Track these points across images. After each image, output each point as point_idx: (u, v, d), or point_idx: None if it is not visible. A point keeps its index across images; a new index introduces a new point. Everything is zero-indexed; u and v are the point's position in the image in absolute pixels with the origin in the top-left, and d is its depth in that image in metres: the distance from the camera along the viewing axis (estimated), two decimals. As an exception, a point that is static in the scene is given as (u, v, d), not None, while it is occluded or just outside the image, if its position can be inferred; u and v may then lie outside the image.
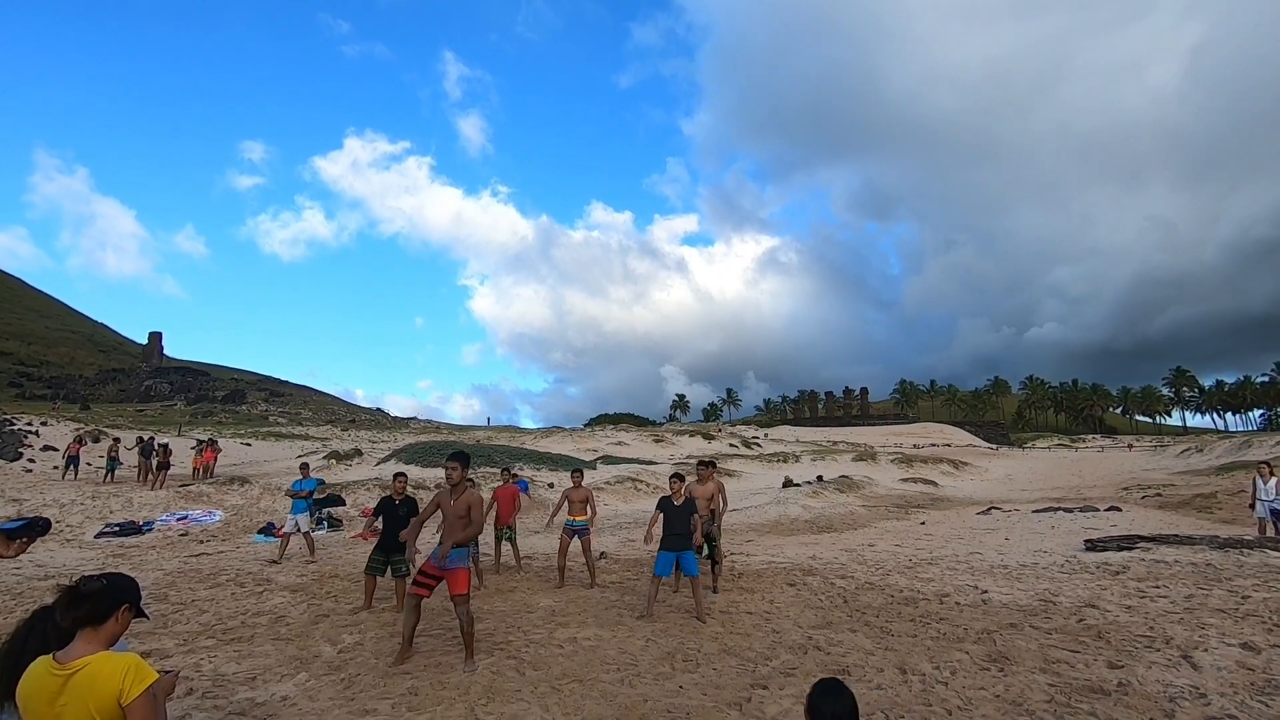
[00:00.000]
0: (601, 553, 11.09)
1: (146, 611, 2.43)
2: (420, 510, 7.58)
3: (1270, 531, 10.94)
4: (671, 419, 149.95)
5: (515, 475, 17.46)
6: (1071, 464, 44.93)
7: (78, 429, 31.82)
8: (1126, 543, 9.84)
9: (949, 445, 73.97)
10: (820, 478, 27.93)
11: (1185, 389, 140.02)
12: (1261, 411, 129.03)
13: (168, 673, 2.36)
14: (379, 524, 8.26)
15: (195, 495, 17.65)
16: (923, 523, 16.12)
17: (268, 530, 13.74)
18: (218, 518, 15.54)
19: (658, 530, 7.29)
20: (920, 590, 7.77)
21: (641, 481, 24.82)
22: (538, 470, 26.50)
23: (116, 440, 26.16)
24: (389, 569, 7.74)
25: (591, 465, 30.81)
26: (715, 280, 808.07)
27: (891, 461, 40.74)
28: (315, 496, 17.60)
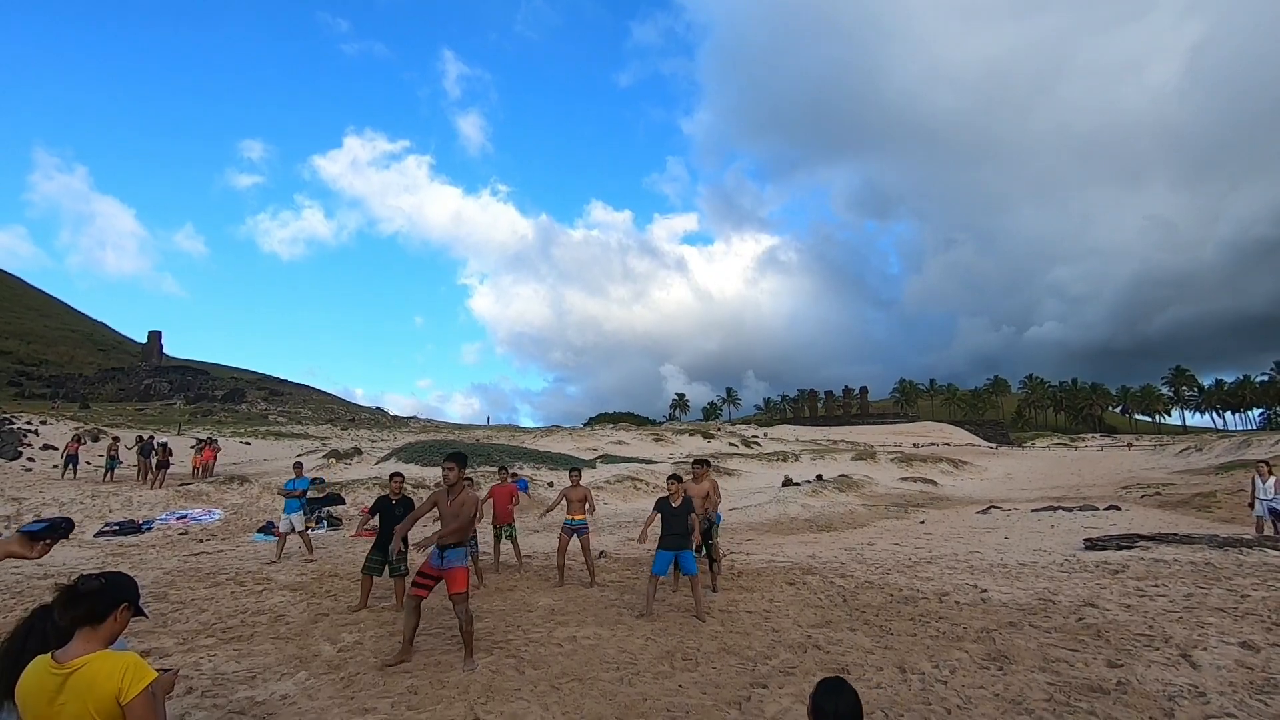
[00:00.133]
0: (601, 551, 11.10)
1: (145, 610, 2.43)
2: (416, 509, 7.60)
3: (1269, 530, 10.95)
4: (671, 418, 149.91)
5: (515, 474, 17.52)
6: (1071, 463, 44.95)
7: (77, 428, 31.80)
8: (1126, 542, 9.85)
9: (948, 444, 74.00)
10: (820, 477, 27.94)
11: (1185, 388, 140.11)
12: (1261, 411, 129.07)
13: (167, 671, 2.36)
14: (375, 522, 8.24)
15: (195, 494, 17.65)
16: (922, 522, 16.13)
17: (267, 529, 13.74)
18: (217, 517, 15.54)
19: (654, 531, 7.29)
20: (920, 589, 7.77)
21: (641, 480, 24.82)
22: (537, 469, 26.50)
23: (116, 439, 26.17)
24: (386, 569, 7.73)
25: (591, 464, 30.81)
26: (715, 279, 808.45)
27: (891, 460, 40.75)
28: (314, 496, 17.70)
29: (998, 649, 5.45)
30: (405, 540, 7.45)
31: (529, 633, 6.42)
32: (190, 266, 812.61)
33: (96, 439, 29.58)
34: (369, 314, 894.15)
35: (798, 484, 25.51)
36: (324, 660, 5.69)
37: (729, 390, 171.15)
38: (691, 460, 11.67)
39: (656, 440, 55.33)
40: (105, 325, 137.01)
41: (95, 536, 13.20)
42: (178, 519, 14.95)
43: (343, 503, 17.45)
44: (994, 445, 78.56)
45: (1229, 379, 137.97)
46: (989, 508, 18.23)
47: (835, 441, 69.98)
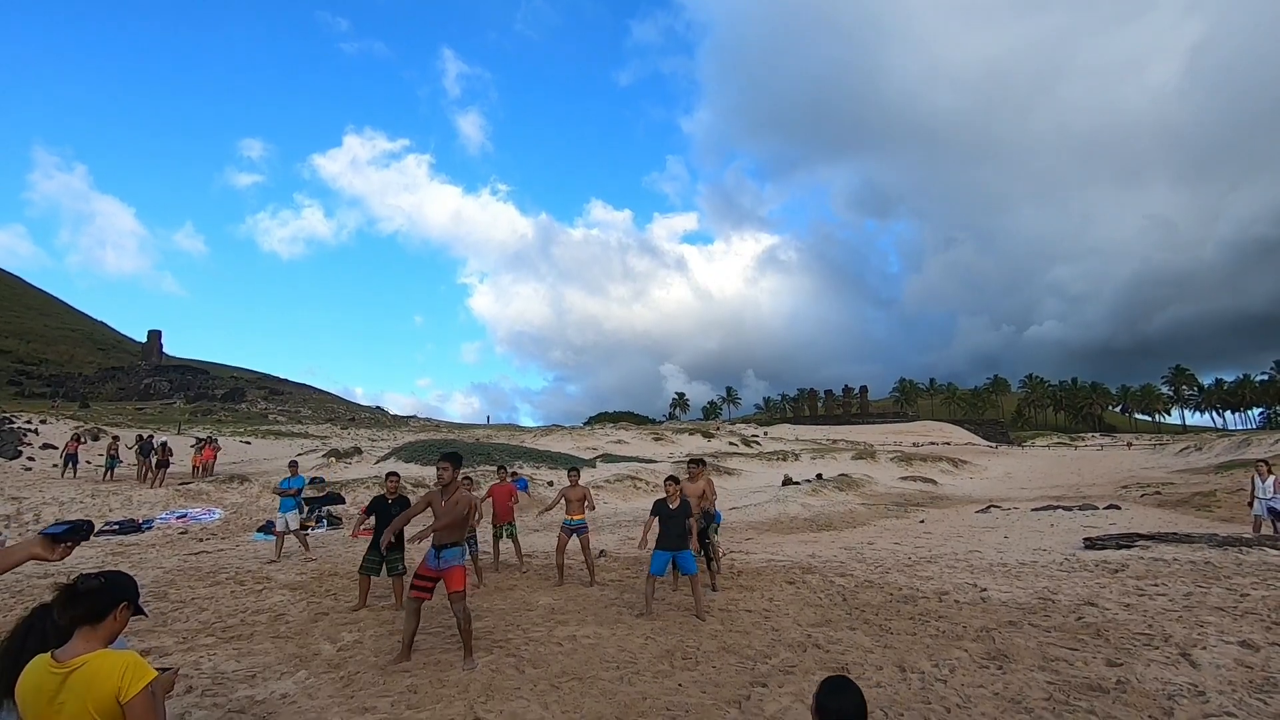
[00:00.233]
0: (601, 551, 11.10)
1: (145, 609, 2.43)
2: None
3: (1267, 530, 10.95)
4: (671, 417, 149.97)
5: (515, 473, 17.54)
6: (1071, 462, 44.98)
7: (77, 427, 31.81)
8: (1125, 541, 9.85)
9: (948, 443, 74.01)
10: (820, 476, 27.94)
11: (1184, 387, 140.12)
12: (1261, 410, 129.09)
13: (166, 670, 2.36)
14: (371, 522, 8.21)
15: (195, 493, 17.66)
16: (922, 521, 16.13)
17: (267, 528, 13.73)
18: (217, 516, 15.55)
19: (653, 535, 7.29)
20: (919, 588, 7.78)
21: (641, 480, 24.82)
22: (537, 468, 26.51)
23: (116, 438, 26.17)
24: (384, 568, 7.72)
25: (591, 463, 30.81)
26: (715, 278, 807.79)
27: (891, 460, 40.76)
28: (316, 495, 17.70)
29: (997, 648, 5.45)
30: (401, 537, 7.45)
31: (529, 632, 6.42)
32: (190, 266, 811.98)
33: (96, 438, 29.59)
34: (369, 313, 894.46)
35: (797, 483, 25.52)
36: (324, 659, 5.70)
37: (729, 389, 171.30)
38: (689, 460, 11.69)
39: (656, 439, 55.35)
40: (105, 324, 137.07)
41: (95, 535, 13.20)
42: (178, 518, 14.96)
43: (342, 502, 17.46)
44: (994, 444, 78.59)
45: (1229, 378, 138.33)
46: (989, 507, 18.23)
47: (835, 441, 70.01)
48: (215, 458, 25.39)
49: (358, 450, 31.33)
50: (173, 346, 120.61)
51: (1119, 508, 17.26)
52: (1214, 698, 4.26)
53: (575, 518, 8.96)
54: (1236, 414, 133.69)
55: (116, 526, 13.70)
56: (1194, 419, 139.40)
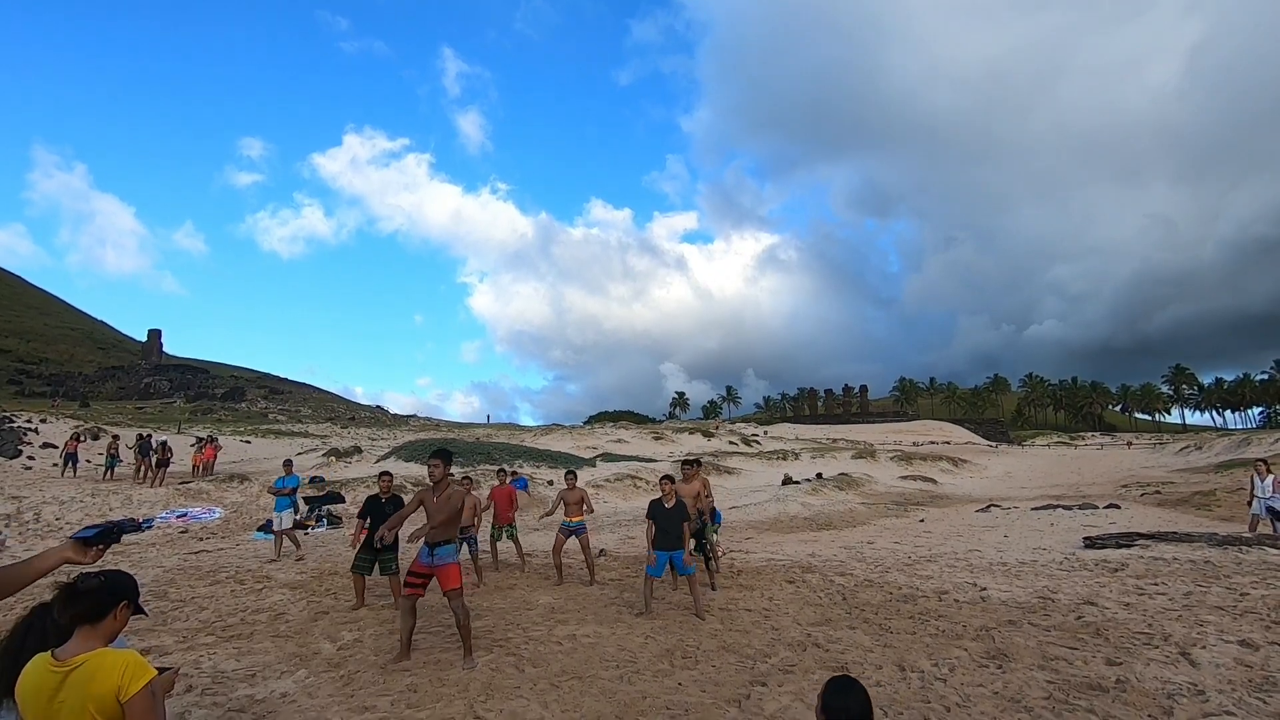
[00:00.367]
0: (601, 550, 11.10)
1: (145, 608, 2.43)
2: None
3: (1265, 529, 10.95)
4: (671, 416, 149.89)
5: (514, 474, 17.54)
6: (1071, 462, 44.98)
7: (77, 426, 31.80)
8: (1125, 540, 9.86)
9: (948, 443, 73.98)
10: (820, 475, 27.95)
11: (1184, 387, 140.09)
12: (1261, 409, 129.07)
13: (166, 670, 2.36)
14: (367, 523, 8.18)
15: (195, 492, 17.67)
16: (922, 520, 16.14)
17: (267, 527, 13.74)
18: (217, 515, 15.55)
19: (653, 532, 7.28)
20: (919, 587, 7.78)
21: (641, 479, 24.82)
22: (537, 468, 26.51)
23: (116, 438, 26.17)
24: (377, 567, 7.69)
25: (591, 463, 30.81)
26: (715, 278, 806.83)
27: (891, 459, 40.75)
28: (316, 494, 17.71)
29: (997, 647, 5.46)
30: (395, 536, 7.47)
31: (529, 631, 6.42)
32: (190, 265, 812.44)
33: (96, 437, 29.58)
34: (369, 312, 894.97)
35: (797, 482, 25.52)
36: (324, 658, 5.70)
37: (729, 389, 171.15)
38: (683, 461, 11.66)
39: (656, 439, 55.31)
40: (105, 323, 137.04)
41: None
42: (178, 517, 14.97)
43: (343, 501, 17.46)
44: (994, 444, 78.58)
45: (1229, 377, 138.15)
46: (988, 506, 18.24)
47: (835, 440, 70.00)
48: (216, 457, 25.42)
49: (358, 449, 31.33)
50: (173, 346, 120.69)
51: (1119, 507, 17.28)
52: (1213, 697, 4.27)
53: (574, 520, 8.97)
54: (1236, 413, 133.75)
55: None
56: (1194, 418, 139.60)
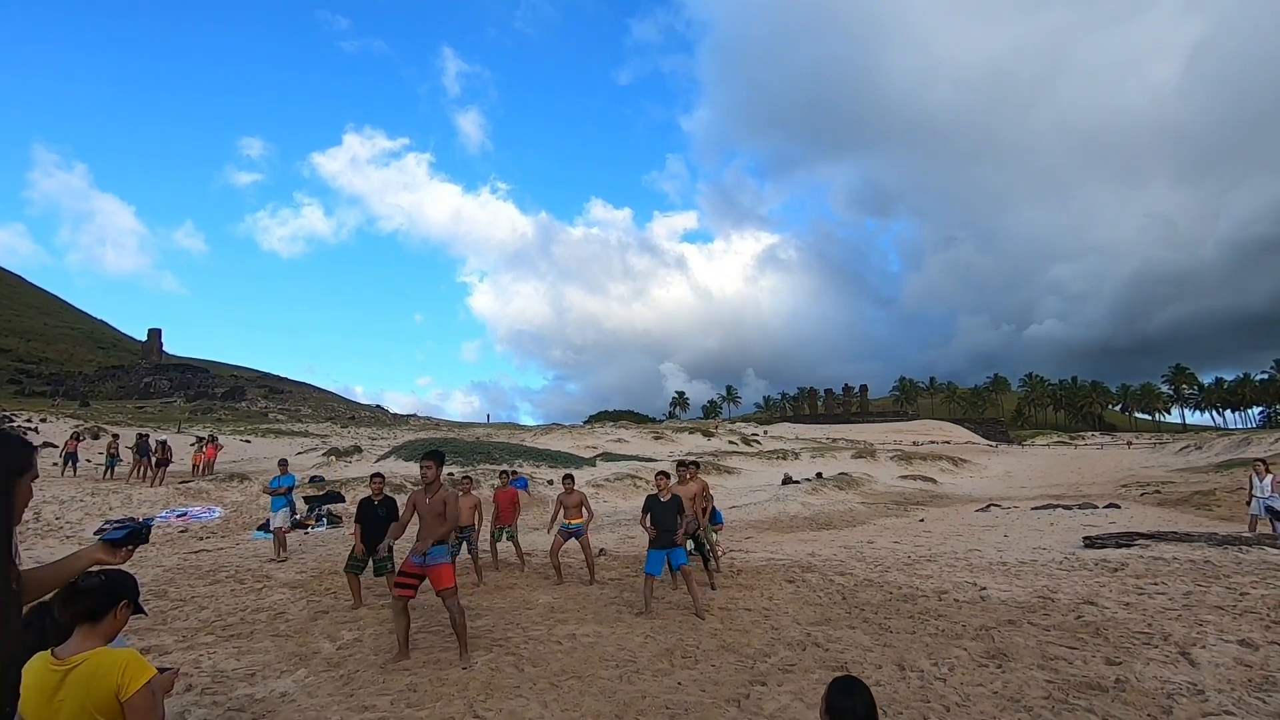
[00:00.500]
0: (601, 549, 11.11)
1: (145, 608, 2.43)
2: (399, 512, 7.56)
3: (1264, 529, 10.95)
4: (671, 416, 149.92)
5: (515, 473, 17.52)
6: (1071, 461, 44.98)
7: (76, 426, 31.82)
8: (1125, 540, 9.86)
9: (948, 442, 73.99)
10: (819, 475, 27.95)
11: (1184, 386, 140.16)
12: (1261, 409, 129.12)
13: (166, 669, 2.36)
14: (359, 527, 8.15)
15: (195, 492, 17.67)
16: (922, 520, 16.14)
17: (266, 527, 13.75)
18: (217, 514, 15.56)
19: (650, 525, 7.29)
20: (919, 587, 7.78)
21: (641, 478, 24.82)
22: (537, 467, 26.51)
23: (116, 437, 26.18)
24: (369, 566, 7.66)
25: (591, 462, 30.82)
26: (715, 277, 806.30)
27: (891, 459, 40.75)
28: (316, 494, 17.71)
29: (997, 647, 5.46)
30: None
31: (528, 630, 6.43)
32: (190, 264, 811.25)
33: (96, 437, 29.61)
34: (369, 312, 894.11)
35: (797, 482, 25.53)
36: (323, 658, 5.70)
37: (729, 388, 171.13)
38: (691, 459, 11.67)
39: (656, 438, 55.30)
40: (105, 323, 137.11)
41: (95, 534, 13.21)
42: (178, 516, 14.97)
43: (343, 500, 17.46)
44: (994, 443, 78.59)
45: (1229, 377, 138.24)
46: (988, 506, 18.24)
47: (835, 439, 69.98)
48: (216, 456, 25.45)
49: (357, 449, 31.34)
50: (173, 345, 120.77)
51: (1119, 506, 17.28)
52: (1213, 696, 4.27)
53: (573, 521, 8.98)
54: (1236, 413, 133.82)
55: (116, 525, 13.70)
56: (1194, 418, 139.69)
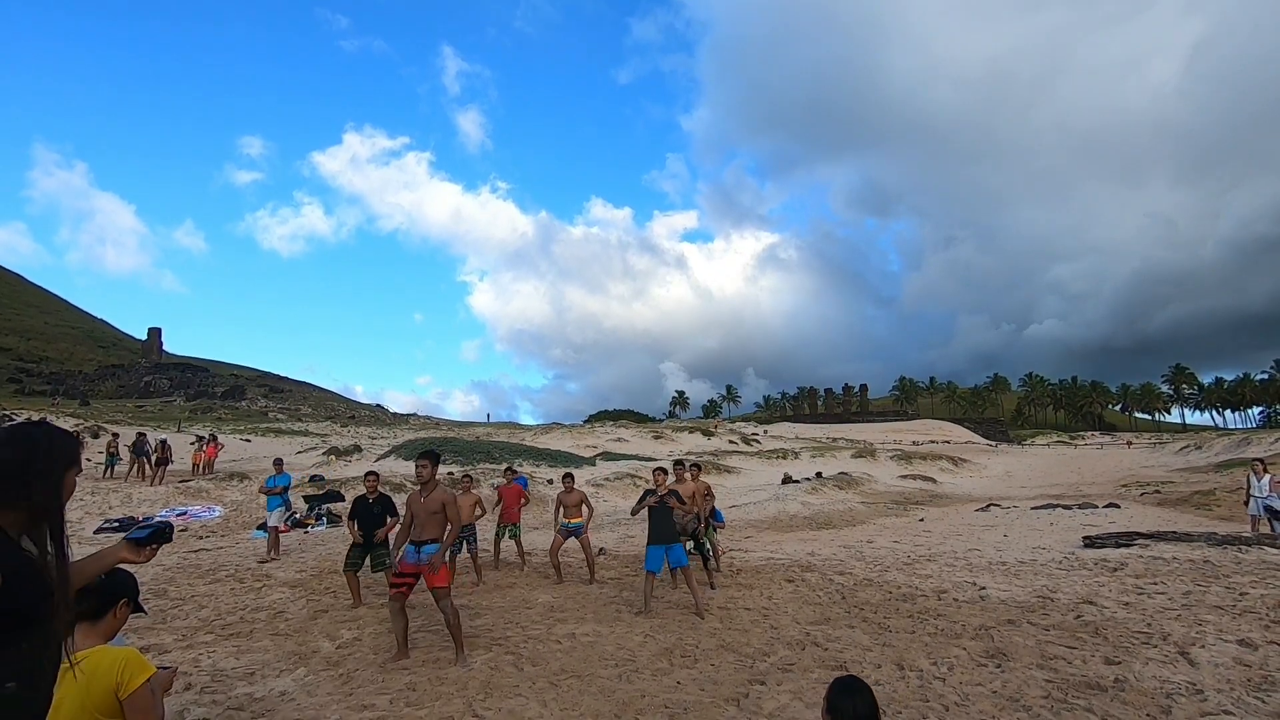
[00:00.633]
0: (601, 549, 11.11)
1: (145, 606, 2.43)
2: (396, 511, 7.56)
3: (1263, 528, 10.95)
4: (671, 415, 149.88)
5: (516, 472, 17.51)
6: (1070, 461, 44.98)
7: (76, 425, 31.80)
8: (1125, 540, 9.86)
9: (948, 442, 73.99)
10: (819, 474, 27.95)
11: (1184, 386, 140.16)
12: (1260, 409, 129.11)
13: (165, 668, 2.36)
14: (356, 524, 8.13)
15: (195, 491, 17.68)
16: (921, 519, 16.14)
17: (265, 526, 13.76)
18: (217, 513, 15.56)
19: (644, 518, 7.29)
20: (918, 586, 7.78)
21: (640, 478, 24.81)
22: (537, 466, 26.51)
23: (115, 436, 26.18)
24: (366, 564, 7.65)
25: (591, 461, 30.82)
26: (715, 277, 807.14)
27: (891, 458, 40.75)
28: (316, 493, 17.71)
29: (996, 646, 5.46)
30: (387, 535, 7.57)
31: (528, 629, 6.43)
32: (190, 263, 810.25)
33: (96, 436, 29.59)
34: (369, 311, 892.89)
35: (797, 481, 25.53)
36: (323, 657, 5.70)
37: (729, 388, 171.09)
38: (691, 459, 11.66)
39: (656, 438, 55.30)
40: (105, 322, 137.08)
41: (95, 533, 13.20)
42: (178, 516, 14.96)
43: (342, 499, 17.44)
44: (993, 443, 78.59)
45: (1229, 377, 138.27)
46: (988, 505, 18.25)
47: (835, 439, 69.96)
48: (217, 455, 25.46)
49: (357, 448, 31.34)
50: (173, 344, 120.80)
51: (1118, 506, 17.28)
52: (1212, 696, 4.27)
53: (573, 520, 8.98)
54: (1236, 413, 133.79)
55: (116, 524, 13.70)
56: (1194, 418, 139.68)
